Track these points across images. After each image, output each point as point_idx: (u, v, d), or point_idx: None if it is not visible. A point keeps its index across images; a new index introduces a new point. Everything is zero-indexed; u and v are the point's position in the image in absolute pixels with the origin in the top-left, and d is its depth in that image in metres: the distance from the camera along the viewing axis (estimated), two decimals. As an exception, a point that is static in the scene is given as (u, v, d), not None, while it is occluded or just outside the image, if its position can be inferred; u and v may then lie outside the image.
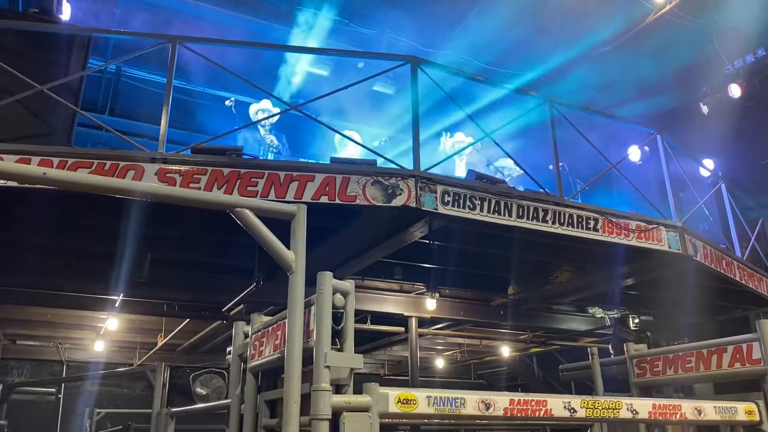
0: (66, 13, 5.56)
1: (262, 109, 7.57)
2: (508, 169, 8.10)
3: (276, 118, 7.38)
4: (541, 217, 5.17)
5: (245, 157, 4.52)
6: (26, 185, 3.73)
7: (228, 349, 4.40)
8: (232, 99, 7.80)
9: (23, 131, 4.59)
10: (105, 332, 9.08)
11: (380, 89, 10.23)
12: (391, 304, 6.93)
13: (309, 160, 7.92)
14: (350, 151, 7.61)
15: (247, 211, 2.71)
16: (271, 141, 7.39)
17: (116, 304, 6.58)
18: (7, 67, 4.35)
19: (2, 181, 3.74)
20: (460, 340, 10.29)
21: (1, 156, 3.98)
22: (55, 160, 4.09)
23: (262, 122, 7.31)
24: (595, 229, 5.45)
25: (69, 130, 4.89)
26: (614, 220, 5.56)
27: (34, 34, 4.91)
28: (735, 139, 9.63)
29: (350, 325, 2.87)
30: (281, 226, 3.09)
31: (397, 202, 4.55)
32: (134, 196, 2.78)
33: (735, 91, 10.10)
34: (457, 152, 7.51)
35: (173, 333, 8.57)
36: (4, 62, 4.38)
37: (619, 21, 9.86)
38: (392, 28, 9.98)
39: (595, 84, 10.61)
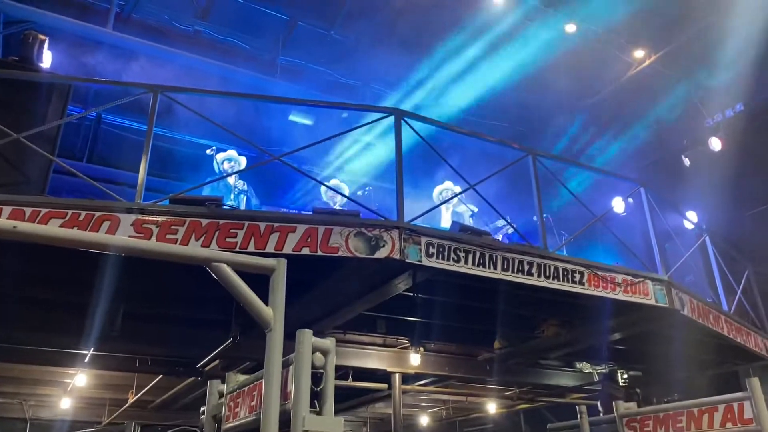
0: (47, 61, 5.57)
1: (228, 158, 7.67)
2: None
3: (243, 166, 7.47)
4: (526, 270, 5.18)
5: (225, 207, 4.49)
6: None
7: (202, 408, 4.27)
8: (214, 147, 7.82)
9: (-3, 180, 4.54)
10: (73, 388, 8.76)
11: (365, 139, 10.35)
12: (373, 359, 6.80)
13: (289, 210, 7.91)
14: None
15: (225, 266, 2.67)
16: (242, 185, 7.44)
17: (86, 359, 6.37)
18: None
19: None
20: (445, 397, 10.08)
21: (-29, 206, 3.91)
22: (28, 211, 4.02)
23: (231, 173, 7.38)
24: (581, 283, 5.45)
25: (44, 178, 4.84)
26: (600, 273, 5.58)
27: (14, 82, 4.91)
28: (717, 191, 9.82)
29: (330, 387, 2.80)
30: (260, 278, 3.05)
31: (381, 254, 4.54)
32: (108, 250, 2.73)
33: (715, 144, 10.39)
34: (442, 203, 7.56)
35: (145, 389, 8.29)
36: (-20, 110, 4.36)
37: (602, 76, 10.18)
38: (376, 79, 10.20)
39: (578, 135, 10.86)
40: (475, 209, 8.29)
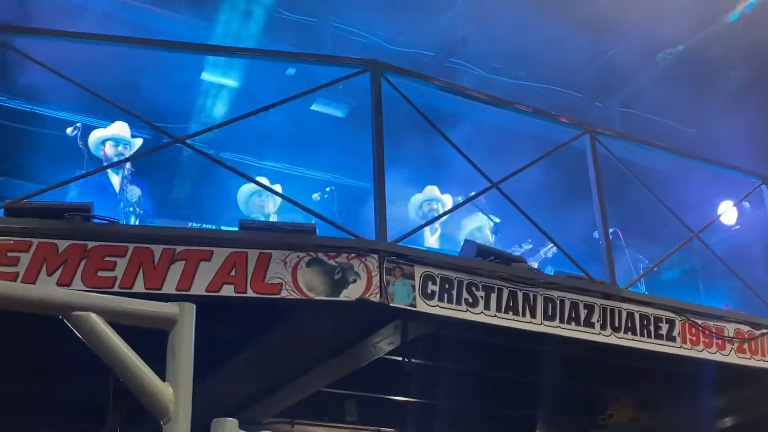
0: None
1: (113, 137, 7.34)
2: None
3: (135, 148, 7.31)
4: (583, 317, 5.23)
5: (96, 222, 4.43)
6: None
7: None
8: (79, 124, 7.68)
9: None
10: None
11: (323, 110, 10.32)
12: (339, 464, 6.80)
13: (202, 226, 7.82)
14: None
15: (94, 317, 2.59)
16: (133, 196, 7.12)
17: None
18: None
19: None
20: None
21: None
22: None
23: (121, 164, 7.15)
24: (671, 338, 5.51)
25: None
26: (700, 322, 5.63)
27: None
28: None
29: None
30: (155, 337, 2.99)
31: (350, 293, 4.56)
32: None
33: None
34: (443, 214, 7.55)
35: None
36: None
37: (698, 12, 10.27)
38: (341, 17, 10.18)
39: (654, 106, 10.91)
40: (497, 220, 8.26)
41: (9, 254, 4.16)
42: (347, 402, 6.44)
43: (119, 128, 7.29)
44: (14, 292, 2.95)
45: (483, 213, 8.23)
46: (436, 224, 7.94)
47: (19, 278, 4.08)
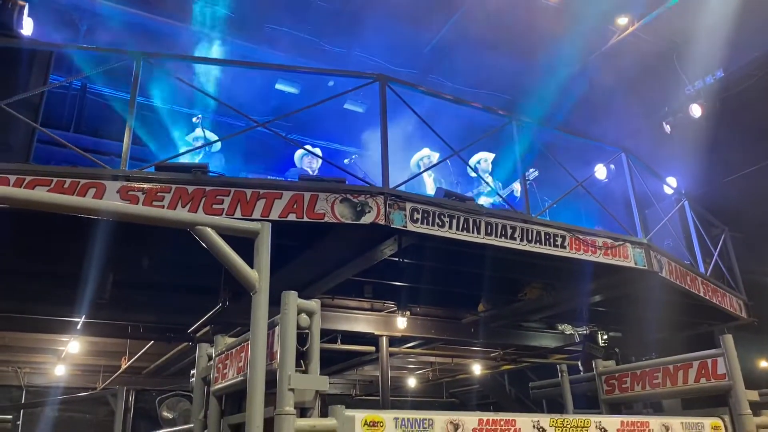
0: (27, 28, 5.41)
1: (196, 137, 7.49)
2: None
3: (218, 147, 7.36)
4: (509, 234, 5.20)
5: (211, 174, 4.44)
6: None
7: (192, 371, 4.28)
8: (200, 116, 7.67)
9: (-23, 148, 4.45)
10: (66, 356, 8.77)
11: (351, 107, 10.23)
12: (361, 323, 6.85)
13: (276, 177, 7.82)
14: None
15: (209, 230, 2.64)
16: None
17: (78, 327, 6.36)
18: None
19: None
20: (431, 359, 10.23)
21: (-46, 174, 3.84)
22: (12, 178, 3.95)
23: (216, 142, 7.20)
24: (563, 246, 5.49)
25: (28, 147, 4.75)
26: (581, 237, 5.62)
27: (-7, 50, 4.78)
28: (697, 157, 9.87)
29: (315, 346, 2.80)
30: (247, 244, 3.03)
31: (366, 219, 4.53)
32: (93, 214, 2.69)
33: (696, 111, 10.39)
34: (426, 169, 7.50)
35: (137, 355, 8.32)
36: (-41, 77, 4.26)
37: (585, 43, 10.09)
38: (362, 47, 10.02)
39: (560, 103, 10.78)
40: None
41: (158, 194, 4.20)
42: (365, 286, 6.46)
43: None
44: (162, 215, 3.01)
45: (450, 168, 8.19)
46: (431, 171, 7.91)
47: (165, 208, 4.11)
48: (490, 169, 8.14)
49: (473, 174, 7.87)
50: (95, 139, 9.18)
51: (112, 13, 8.52)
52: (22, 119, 4.42)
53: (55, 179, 4.04)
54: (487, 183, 6.97)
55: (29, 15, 5.43)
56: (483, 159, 8.14)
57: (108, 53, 5.23)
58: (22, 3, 5.07)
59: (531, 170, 7.83)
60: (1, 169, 4.01)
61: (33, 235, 4.54)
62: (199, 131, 7.42)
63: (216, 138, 7.35)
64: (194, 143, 7.31)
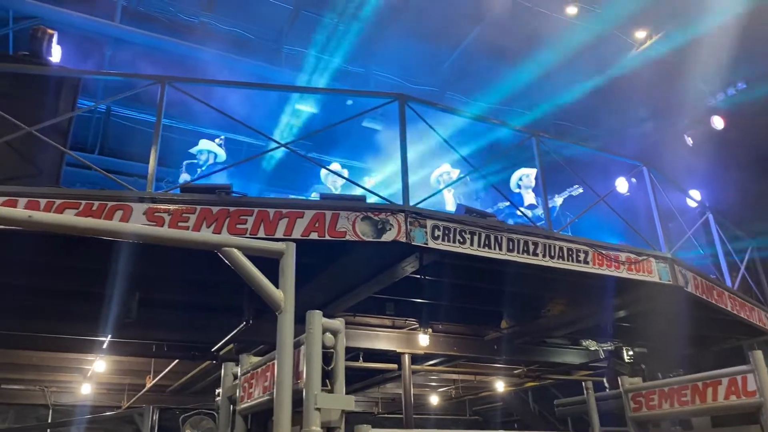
0: (56, 56, 5.58)
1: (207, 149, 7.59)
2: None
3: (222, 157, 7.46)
4: (531, 250, 5.18)
5: (234, 195, 4.51)
6: (12, 227, 3.68)
7: (217, 390, 4.31)
8: (222, 137, 7.81)
9: (11, 173, 4.57)
10: (92, 374, 8.88)
11: (370, 125, 10.32)
12: (383, 340, 6.85)
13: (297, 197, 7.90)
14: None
15: (235, 251, 2.68)
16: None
17: (104, 346, 6.45)
18: (-4, 109, 4.37)
19: (-12, 224, 3.71)
20: (454, 376, 10.15)
21: (-13, 198, 3.95)
22: (42, 202, 4.06)
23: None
24: (586, 262, 5.45)
25: (57, 170, 4.87)
26: (604, 252, 5.58)
27: (24, 77, 4.93)
28: (720, 169, 9.75)
29: (341, 365, 2.82)
30: (270, 263, 3.07)
31: (387, 237, 4.56)
32: (122, 238, 2.75)
33: (717, 123, 10.29)
34: (446, 186, 7.51)
35: (162, 374, 8.40)
36: (-7, 104, 4.39)
37: (604, 56, 10.08)
38: (380, 66, 10.14)
39: (581, 118, 10.77)
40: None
41: (183, 215, 4.26)
42: (387, 303, 6.45)
43: (208, 144, 7.53)
44: (189, 237, 3.07)
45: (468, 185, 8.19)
46: (451, 187, 7.88)
47: (190, 229, 4.18)
48: (533, 184, 8.08)
49: (516, 190, 7.85)
50: (119, 161, 9.39)
51: (132, 38, 8.75)
52: (53, 144, 4.53)
53: (83, 202, 4.13)
54: (507, 200, 6.90)
55: (58, 43, 5.60)
56: (525, 175, 8.06)
57: (133, 78, 5.35)
58: (51, 32, 5.24)
59: (575, 186, 7.76)
60: (32, 194, 4.12)
61: (60, 254, 4.63)
62: (203, 143, 7.51)
63: (222, 152, 7.47)
64: (199, 156, 7.41)
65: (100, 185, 5.68)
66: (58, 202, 4.09)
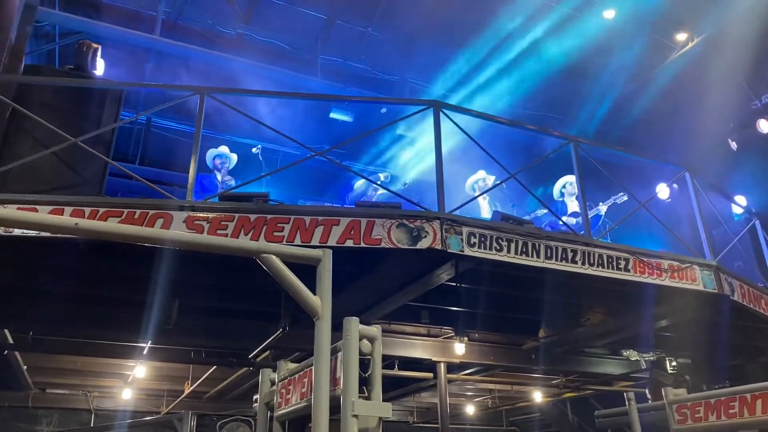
0: (100, 69, 5.77)
1: (218, 154, 7.68)
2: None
3: (234, 162, 7.56)
4: (570, 257, 5.10)
5: (271, 203, 4.57)
6: (59, 235, 3.80)
7: (254, 396, 4.36)
8: (259, 146, 7.94)
9: (57, 182, 4.73)
10: (133, 380, 9.09)
11: (404, 133, 10.35)
12: (418, 348, 6.82)
13: (332, 205, 7.97)
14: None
15: (274, 257, 2.72)
16: (229, 180, 7.44)
17: (144, 352, 6.60)
18: (44, 121, 4.53)
19: (36, 232, 3.85)
20: (490, 386, 10.03)
21: (36, 207, 4.09)
22: (87, 210, 4.18)
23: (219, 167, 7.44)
24: (626, 269, 5.34)
25: (101, 180, 5.02)
26: (646, 259, 5.45)
27: (70, 89, 5.11)
28: (766, 174, 9.45)
29: (378, 372, 2.83)
30: (306, 270, 3.10)
31: (423, 244, 4.55)
32: (163, 244, 2.82)
33: (764, 126, 9.97)
34: (482, 193, 7.46)
35: (200, 380, 8.54)
36: (41, 116, 4.56)
37: (644, 61, 9.92)
38: (414, 73, 10.17)
39: (619, 122, 10.58)
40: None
41: (221, 223, 4.33)
42: (422, 311, 6.42)
43: (223, 148, 7.64)
44: (228, 243, 3.13)
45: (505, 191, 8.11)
46: (487, 194, 7.78)
47: (228, 236, 4.24)
48: (577, 192, 7.98)
49: (560, 199, 7.76)
50: (159, 171, 9.62)
51: (171, 50, 8.97)
52: (97, 155, 4.68)
53: (125, 210, 4.24)
54: (546, 206, 6.82)
55: (102, 56, 5.79)
56: (569, 182, 7.95)
57: (172, 89, 5.48)
58: (95, 46, 5.41)
59: (620, 194, 7.63)
60: (77, 203, 4.25)
61: (103, 261, 4.76)
62: (223, 148, 7.66)
63: (234, 156, 7.61)
64: (215, 160, 7.55)
65: (142, 194, 5.82)
66: (102, 210, 4.21)
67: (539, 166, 5.94)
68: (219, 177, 7.55)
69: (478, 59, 10.15)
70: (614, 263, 5.31)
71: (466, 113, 5.71)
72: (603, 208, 7.77)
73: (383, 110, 9.26)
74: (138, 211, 4.26)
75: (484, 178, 7.96)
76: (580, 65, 9.67)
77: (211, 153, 7.69)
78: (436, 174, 5.04)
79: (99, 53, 5.60)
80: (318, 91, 9.43)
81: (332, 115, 9.84)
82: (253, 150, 7.94)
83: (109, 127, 5.07)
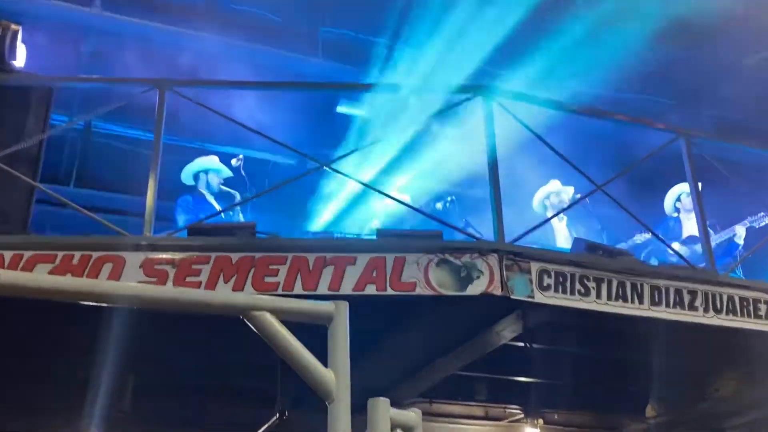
0: (20, 58, 5.82)
1: (205, 169, 7.59)
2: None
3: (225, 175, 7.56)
4: (687, 302, 5.08)
5: (260, 236, 4.60)
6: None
7: None
8: (241, 156, 7.96)
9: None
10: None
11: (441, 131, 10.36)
12: (474, 437, 6.82)
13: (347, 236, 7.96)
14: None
15: (268, 316, 2.69)
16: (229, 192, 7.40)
17: (88, 449, 6.62)
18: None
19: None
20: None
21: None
22: (7, 255, 4.24)
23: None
24: (768, 317, 5.30)
25: (25, 212, 5.07)
26: (798, 302, 5.38)
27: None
28: None
29: (418, 477, 2.78)
30: (313, 332, 3.08)
31: (475, 289, 4.55)
32: (112, 302, 2.83)
33: None
34: (557, 213, 7.39)
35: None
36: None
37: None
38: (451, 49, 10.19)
39: (737, 108, 10.46)
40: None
41: (193, 266, 4.36)
42: (477, 383, 6.44)
43: (212, 161, 7.62)
44: (203, 298, 3.12)
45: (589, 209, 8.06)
46: (563, 214, 7.66)
47: (202, 286, 4.26)
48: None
49: (674, 215, 7.68)
50: (102, 194, 9.69)
51: (118, 28, 9.09)
52: (19, 176, 4.75)
53: (60, 254, 4.30)
54: (648, 229, 6.73)
55: (23, 41, 5.89)
56: (685, 193, 7.79)
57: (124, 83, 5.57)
58: (15, 27, 5.51)
59: (761, 214, 7.49)
60: (-4, 244, 4.32)
61: (28, 324, 4.80)
62: (197, 163, 7.62)
63: (226, 168, 7.64)
64: (198, 181, 7.56)
65: (81, 229, 5.88)
66: (27, 254, 4.27)
67: (640, 173, 5.89)
68: (210, 198, 7.53)
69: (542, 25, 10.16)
70: (751, 308, 5.28)
71: (529, 100, 5.74)
72: (741, 232, 7.60)
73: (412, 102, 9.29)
74: (77, 255, 4.32)
75: (558, 191, 7.89)
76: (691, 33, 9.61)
77: (193, 167, 7.63)
78: (490, 188, 5.05)
79: (19, 36, 5.70)
80: (319, 76, 9.50)
81: (339, 108, 9.88)
82: (233, 162, 7.96)
83: (36, 139, 5.15)
